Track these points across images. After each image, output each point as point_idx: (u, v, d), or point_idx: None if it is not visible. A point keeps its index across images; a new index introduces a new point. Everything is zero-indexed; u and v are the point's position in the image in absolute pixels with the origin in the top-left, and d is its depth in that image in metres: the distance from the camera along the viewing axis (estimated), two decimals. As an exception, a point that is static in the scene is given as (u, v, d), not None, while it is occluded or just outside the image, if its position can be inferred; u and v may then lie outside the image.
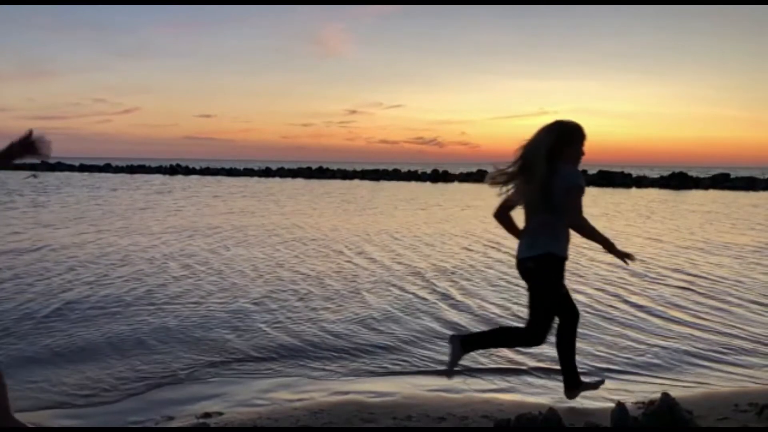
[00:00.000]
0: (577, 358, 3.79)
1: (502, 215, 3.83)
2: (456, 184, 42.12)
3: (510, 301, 7.13)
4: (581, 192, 3.49)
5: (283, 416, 3.71)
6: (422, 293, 7.57)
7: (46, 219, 15.73)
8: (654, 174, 48.88)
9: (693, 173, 44.64)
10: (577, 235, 3.58)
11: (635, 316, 6.49)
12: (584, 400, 3.85)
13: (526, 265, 3.60)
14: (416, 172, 49.86)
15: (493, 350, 4.96)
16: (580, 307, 3.85)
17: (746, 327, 6.09)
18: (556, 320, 3.66)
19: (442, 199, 26.09)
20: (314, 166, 54.36)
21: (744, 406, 3.61)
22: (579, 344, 4.06)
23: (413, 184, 41.13)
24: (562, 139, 3.51)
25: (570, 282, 4.17)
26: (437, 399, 4.12)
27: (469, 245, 11.88)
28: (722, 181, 39.86)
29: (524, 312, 6.52)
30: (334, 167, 56.77)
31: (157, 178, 44.89)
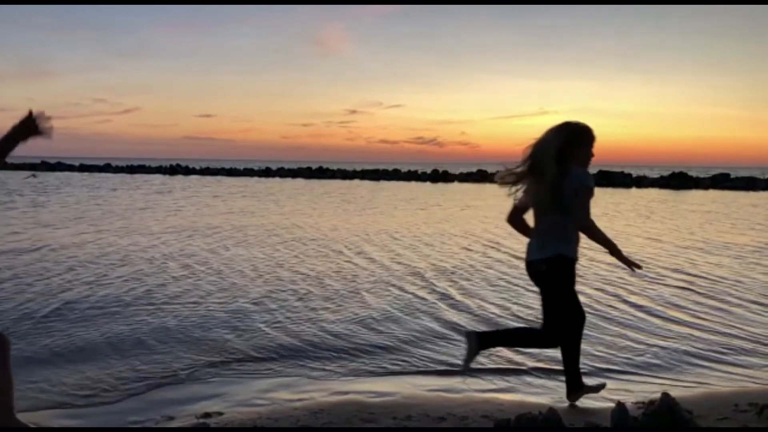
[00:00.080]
0: (577, 358, 3.79)
1: (516, 219, 3.83)
2: (456, 184, 42.10)
3: (510, 301, 7.13)
4: (590, 193, 3.49)
5: (283, 416, 3.70)
6: (422, 293, 7.57)
7: (45, 219, 15.72)
8: (654, 174, 48.90)
9: (693, 173, 44.63)
10: (582, 237, 3.58)
11: (635, 316, 6.49)
12: (584, 400, 3.84)
13: (537, 267, 3.60)
14: (416, 172, 49.84)
15: (493, 350, 4.96)
16: (579, 307, 3.84)
17: (746, 327, 6.09)
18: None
19: (441, 199, 26.08)
20: (314, 166, 54.34)
21: (744, 406, 3.61)
22: (579, 344, 4.05)
23: (413, 184, 41.12)
24: (570, 140, 3.51)
25: (570, 282, 4.15)
26: (437, 399, 4.11)
27: (468, 245, 11.89)
28: (722, 181, 39.86)
29: (524, 312, 6.56)
30: (334, 167, 56.75)
31: (157, 178, 44.88)
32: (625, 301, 7.16)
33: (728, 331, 5.95)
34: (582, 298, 3.74)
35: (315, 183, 40.96)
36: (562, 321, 3.60)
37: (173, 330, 5.81)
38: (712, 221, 17.33)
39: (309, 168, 52.96)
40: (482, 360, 4.94)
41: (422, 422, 3.55)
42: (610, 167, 45.68)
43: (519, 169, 3.62)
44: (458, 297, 7.37)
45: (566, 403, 3.83)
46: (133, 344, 5.38)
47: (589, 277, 8.52)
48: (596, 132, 3.65)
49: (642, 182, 40.99)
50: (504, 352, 5.05)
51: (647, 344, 5.51)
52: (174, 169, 55.91)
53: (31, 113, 2.87)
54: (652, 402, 3.34)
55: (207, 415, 3.79)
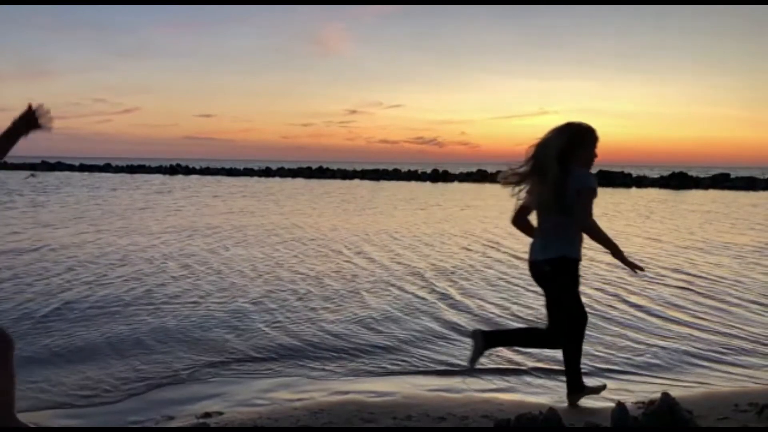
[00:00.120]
0: (577, 358, 3.79)
1: (520, 221, 3.83)
2: (456, 184, 42.08)
3: (509, 301, 7.13)
4: (593, 194, 3.49)
5: (283, 416, 3.70)
6: (421, 293, 7.57)
7: (45, 219, 15.72)
8: (654, 174, 48.92)
9: (693, 173, 44.64)
10: (584, 237, 3.58)
11: (635, 316, 6.49)
12: (584, 400, 3.84)
13: (540, 267, 3.59)
14: (416, 171, 49.84)
15: (492, 350, 4.96)
16: (580, 307, 3.85)
17: (746, 327, 6.09)
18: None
19: (441, 199, 26.07)
20: (314, 166, 54.35)
21: (744, 406, 3.61)
22: (579, 344, 4.05)
23: (413, 184, 41.12)
24: (573, 141, 3.51)
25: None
26: (437, 399, 4.11)
27: (468, 245, 11.89)
28: (722, 181, 39.88)
29: (524, 312, 6.56)
30: (334, 167, 56.75)
31: (157, 178, 44.87)
32: (625, 301, 7.16)
33: (728, 331, 5.95)
34: (582, 298, 3.74)
35: (315, 183, 40.96)
36: (564, 321, 3.61)
37: (173, 330, 5.81)
38: (712, 221, 17.34)
39: (309, 168, 52.97)
40: (482, 360, 4.92)
41: (422, 422, 3.55)
42: (610, 167, 45.68)
43: (522, 170, 3.62)
44: (458, 297, 7.37)
45: (566, 403, 3.83)
46: (133, 344, 5.38)
47: (589, 277, 8.52)
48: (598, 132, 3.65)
49: (642, 182, 41.01)
50: (504, 352, 5.05)
51: (647, 344, 5.51)
52: (174, 169, 55.91)
53: (30, 107, 2.87)
54: (652, 402, 3.34)
55: (207, 414, 3.79)
